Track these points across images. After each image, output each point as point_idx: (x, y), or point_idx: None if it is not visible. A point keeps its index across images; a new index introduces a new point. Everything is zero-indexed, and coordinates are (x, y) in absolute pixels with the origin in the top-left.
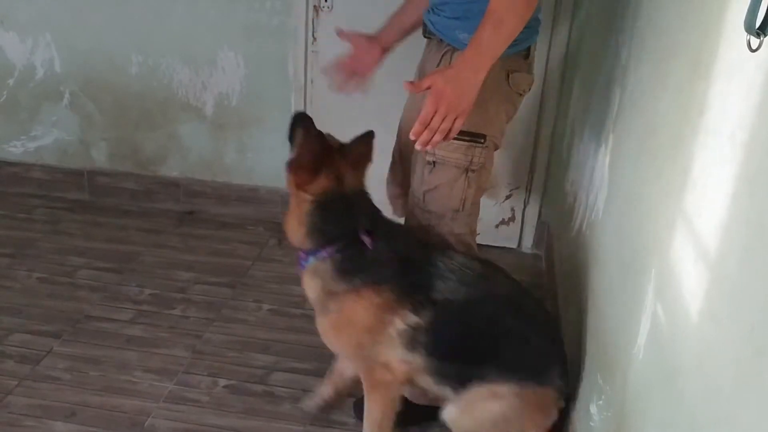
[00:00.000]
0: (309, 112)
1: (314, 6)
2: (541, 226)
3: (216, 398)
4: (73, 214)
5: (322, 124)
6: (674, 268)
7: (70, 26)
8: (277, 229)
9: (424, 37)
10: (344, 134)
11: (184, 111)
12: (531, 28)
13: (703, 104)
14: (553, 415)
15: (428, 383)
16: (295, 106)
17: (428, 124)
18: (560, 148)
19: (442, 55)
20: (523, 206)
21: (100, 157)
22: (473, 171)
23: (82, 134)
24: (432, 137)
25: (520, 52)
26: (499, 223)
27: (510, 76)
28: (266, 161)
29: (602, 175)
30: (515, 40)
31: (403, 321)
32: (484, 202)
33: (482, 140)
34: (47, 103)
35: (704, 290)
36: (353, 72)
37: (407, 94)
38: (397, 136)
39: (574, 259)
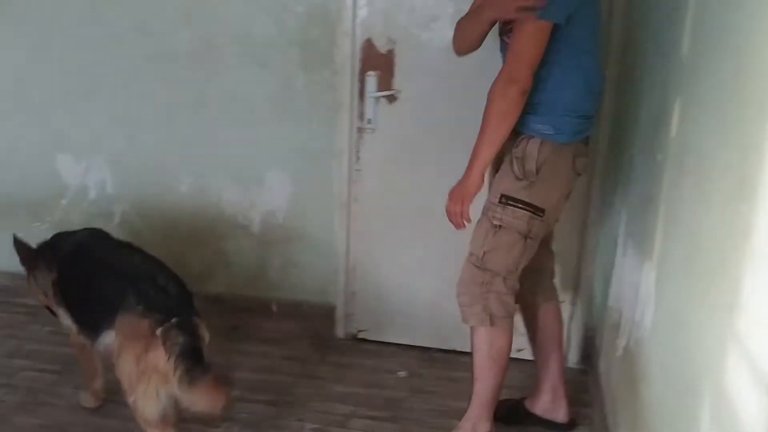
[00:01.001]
0: (352, 229)
1: (357, 128)
2: (588, 340)
3: None
4: None
5: (364, 240)
6: (730, 393)
7: (123, 148)
8: (321, 345)
9: None
10: (386, 250)
11: (232, 228)
12: (591, 118)
13: (750, 227)
14: (154, 342)
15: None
16: (339, 222)
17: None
18: (604, 263)
19: (520, 141)
20: (569, 320)
21: None
22: (531, 239)
23: None
24: (458, 220)
25: (583, 140)
26: None
27: (576, 160)
28: (310, 276)
29: (648, 291)
30: (579, 131)
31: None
32: None
33: (542, 214)
34: (99, 220)
35: (766, 417)
36: None
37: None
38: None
39: (622, 376)
